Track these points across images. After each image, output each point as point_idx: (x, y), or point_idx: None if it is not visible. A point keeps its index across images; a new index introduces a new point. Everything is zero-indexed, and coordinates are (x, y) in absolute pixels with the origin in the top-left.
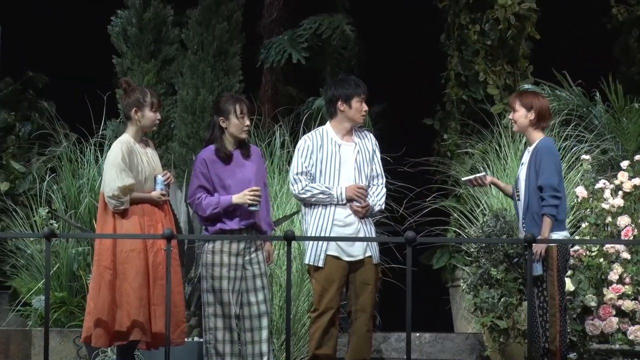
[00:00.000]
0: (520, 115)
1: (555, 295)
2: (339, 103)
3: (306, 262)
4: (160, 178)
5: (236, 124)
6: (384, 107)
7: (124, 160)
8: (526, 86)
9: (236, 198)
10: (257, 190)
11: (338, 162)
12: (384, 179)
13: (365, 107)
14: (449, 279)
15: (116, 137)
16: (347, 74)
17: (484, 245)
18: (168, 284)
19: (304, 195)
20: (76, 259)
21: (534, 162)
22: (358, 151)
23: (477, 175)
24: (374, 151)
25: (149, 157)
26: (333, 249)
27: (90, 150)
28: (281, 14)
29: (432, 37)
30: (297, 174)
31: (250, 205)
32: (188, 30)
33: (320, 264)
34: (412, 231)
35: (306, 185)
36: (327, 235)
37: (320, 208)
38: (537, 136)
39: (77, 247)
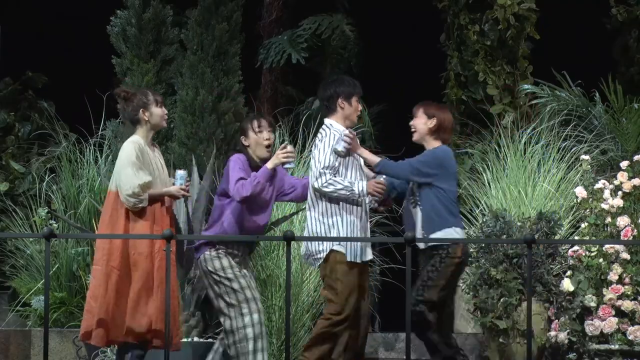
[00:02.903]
0: (420, 122)
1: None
2: (340, 100)
3: (349, 259)
4: (180, 173)
5: (255, 138)
6: (383, 108)
7: (139, 159)
8: (525, 86)
9: (270, 163)
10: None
11: (356, 157)
12: None
13: (360, 107)
14: None
15: (115, 138)
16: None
17: (483, 245)
18: (168, 284)
19: (326, 189)
20: (76, 259)
21: None
22: None
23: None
24: None
25: (157, 160)
26: (360, 252)
27: (89, 150)
28: (281, 14)
29: (432, 37)
30: (324, 167)
31: (284, 163)
32: (187, 30)
33: (369, 257)
34: (411, 231)
35: (330, 179)
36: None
37: (352, 214)
38: (434, 145)
39: (77, 248)
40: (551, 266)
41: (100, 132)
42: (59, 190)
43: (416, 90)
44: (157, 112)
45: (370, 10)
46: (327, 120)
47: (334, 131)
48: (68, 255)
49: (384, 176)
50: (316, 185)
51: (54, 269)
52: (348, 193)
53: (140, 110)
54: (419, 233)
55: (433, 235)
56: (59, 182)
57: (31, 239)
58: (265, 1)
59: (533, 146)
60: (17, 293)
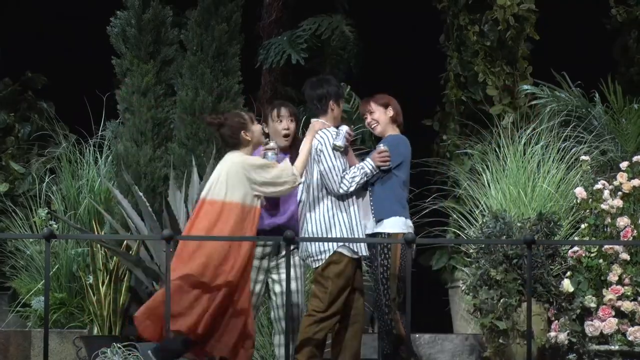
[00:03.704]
0: (378, 114)
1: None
2: (331, 102)
3: (349, 254)
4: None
5: (273, 127)
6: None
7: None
8: (525, 87)
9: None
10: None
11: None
12: None
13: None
14: (448, 280)
15: (115, 138)
16: (343, 74)
17: (483, 246)
18: (167, 288)
19: (353, 188)
20: (75, 260)
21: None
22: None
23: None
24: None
25: None
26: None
27: (89, 151)
28: (280, 15)
29: (431, 38)
30: (340, 172)
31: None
32: (187, 31)
33: (364, 253)
34: (412, 233)
35: (349, 178)
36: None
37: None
38: (395, 133)
39: (77, 248)
40: (551, 267)
41: (100, 133)
42: (59, 191)
43: (416, 91)
44: (257, 129)
45: (370, 11)
46: (317, 123)
47: (329, 132)
48: (68, 256)
49: (382, 144)
50: (342, 191)
51: (54, 270)
52: (367, 178)
53: (242, 133)
54: (369, 217)
55: (384, 222)
56: (59, 183)
57: (31, 240)
58: (265, 2)
59: (533, 147)
60: (17, 294)
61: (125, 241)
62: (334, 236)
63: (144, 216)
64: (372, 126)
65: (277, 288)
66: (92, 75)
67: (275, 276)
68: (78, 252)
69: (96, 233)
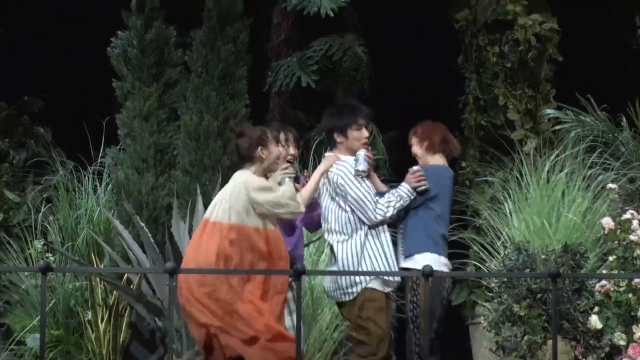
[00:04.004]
0: (416, 146)
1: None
2: (336, 135)
3: (381, 289)
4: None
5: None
6: (398, 133)
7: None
8: (548, 111)
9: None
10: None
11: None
12: None
13: (365, 134)
14: (468, 316)
15: (115, 165)
16: (346, 98)
17: (505, 280)
18: (171, 321)
19: (389, 213)
20: (73, 294)
21: None
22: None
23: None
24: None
25: None
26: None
27: (88, 179)
28: (290, 35)
29: (449, 59)
30: (370, 198)
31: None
32: (192, 52)
33: (389, 289)
34: (428, 264)
35: (383, 204)
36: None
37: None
38: (437, 162)
39: (75, 282)
40: (578, 302)
41: (99, 160)
42: (55, 221)
43: (433, 115)
44: (275, 152)
45: (382, 30)
46: (330, 157)
47: (346, 162)
48: (65, 291)
49: (415, 166)
50: (380, 218)
51: (50, 305)
52: (404, 202)
53: (259, 148)
54: (399, 252)
55: (415, 257)
56: (56, 213)
57: (26, 273)
58: (274, 21)
59: (557, 174)
60: (11, 330)
61: (125, 274)
62: (365, 269)
63: (145, 248)
64: (417, 159)
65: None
66: (92, 98)
67: None
68: (76, 286)
69: (95, 266)
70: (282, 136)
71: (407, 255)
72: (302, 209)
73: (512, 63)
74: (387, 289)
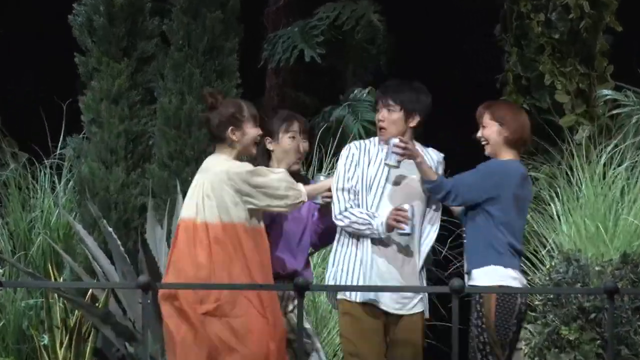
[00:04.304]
0: (492, 130)
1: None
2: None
3: (349, 297)
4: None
5: (286, 144)
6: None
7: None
8: (605, 91)
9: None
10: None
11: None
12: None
13: (379, 115)
14: None
15: (78, 158)
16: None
17: (552, 296)
18: (145, 347)
19: (343, 224)
20: (26, 314)
21: None
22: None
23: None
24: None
25: None
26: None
27: (45, 174)
28: (290, 1)
29: (484, 28)
30: (350, 195)
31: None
32: (171, 20)
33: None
34: (459, 278)
35: (350, 214)
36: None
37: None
38: (507, 157)
39: (28, 300)
40: (639, 323)
41: (58, 151)
42: (5, 225)
43: (464, 97)
44: (251, 134)
45: None
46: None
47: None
48: (17, 310)
49: (405, 205)
50: (337, 223)
51: None
52: (365, 231)
53: (229, 129)
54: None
55: (473, 273)
56: (5, 216)
57: None
58: None
59: (615, 168)
60: None
61: (90, 290)
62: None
63: (114, 258)
64: (482, 143)
65: None
66: (49, 78)
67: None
68: (29, 304)
69: (53, 280)
70: (295, 126)
71: (467, 272)
72: (305, 198)
73: (560, 34)
74: (363, 299)
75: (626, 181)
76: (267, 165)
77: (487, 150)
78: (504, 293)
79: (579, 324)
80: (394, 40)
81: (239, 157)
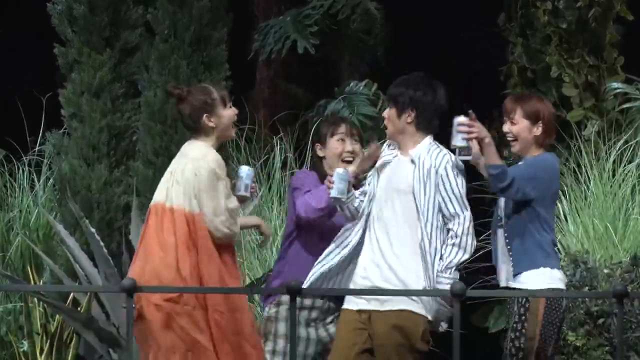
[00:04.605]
0: (522, 128)
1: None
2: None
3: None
4: (246, 170)
5: (335, 148)
6: None
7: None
8: (615, 84)
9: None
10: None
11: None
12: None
13: (384, 114)
14: None
15: (58, 154)
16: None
17: None
18: (130, 353)
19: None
20: (4, 319)
21: None
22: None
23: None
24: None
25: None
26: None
27: (23, 172)
28: None
29: (487, 18)
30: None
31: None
32: (156, 9)
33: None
34: (460, 281)
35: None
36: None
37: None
38: (536, 154)
39: (6, 304)
40: None
41: (37, 147)
42: None
43: (466, 90)
44: (227, 115)
45: None
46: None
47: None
48: None
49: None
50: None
51: None
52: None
53: (204, 116)
54: (502, 271)
55: (522, 276)
56: None
57: None
58: None
59: (625, 166)
60: None
61: (71, 294)
62: None
63: (96, 260)
64: (509, 139)
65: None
66: (28, 69)
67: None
68: (8, 309)
69: (32, 283)
70: (342, 128)
71: (515, 274)
72: (233, 240)
73: (568, 23)
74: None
75: (637, 179)
76: (322, 172)
77: (515, 148)
78: (551, 297)
79: (587, 329)
80: (392, 30)
81: (219, 143)
